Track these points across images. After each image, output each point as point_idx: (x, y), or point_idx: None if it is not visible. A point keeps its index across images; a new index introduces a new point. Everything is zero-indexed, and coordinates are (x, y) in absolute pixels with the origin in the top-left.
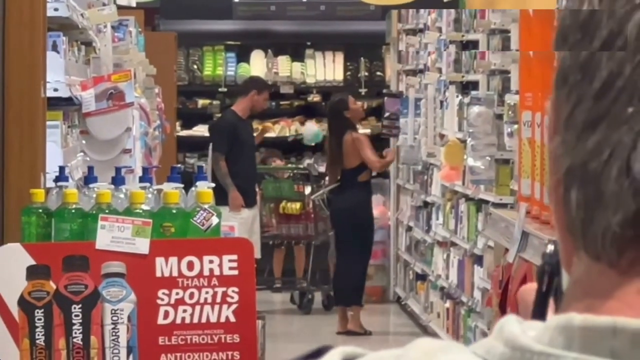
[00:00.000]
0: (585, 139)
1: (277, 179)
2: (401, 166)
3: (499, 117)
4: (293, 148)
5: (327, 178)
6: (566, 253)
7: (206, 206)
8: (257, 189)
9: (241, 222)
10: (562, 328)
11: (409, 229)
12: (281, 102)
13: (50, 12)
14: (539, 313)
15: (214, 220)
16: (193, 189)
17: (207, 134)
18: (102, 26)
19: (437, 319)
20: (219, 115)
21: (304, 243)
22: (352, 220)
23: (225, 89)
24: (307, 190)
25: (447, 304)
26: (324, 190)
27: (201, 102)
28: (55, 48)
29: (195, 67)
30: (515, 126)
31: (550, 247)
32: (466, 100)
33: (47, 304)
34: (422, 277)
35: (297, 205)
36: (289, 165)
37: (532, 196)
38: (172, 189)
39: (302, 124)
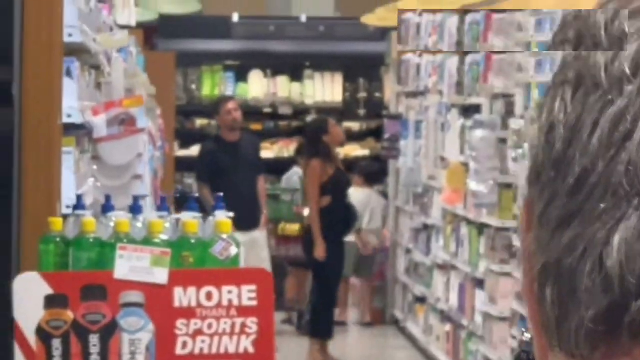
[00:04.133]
0: (559, 236)
1: (276, 201)
2: (401, 188)
3: (502, 141)
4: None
5: None
6: (541, 351)
7: (225, 236)
8: (257, 212)
9: None
10: None
11: (408, 251)
12: (279, 123)
13: (64, 38)
14: None
15: (233, 250)
16: (211, 218)
17: None
18: (113, 51)
19: (437, 342)
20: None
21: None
22: (306, 249)
23: None
24: (306, 211)
25: (447, 327)
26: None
27: (199, 122)
28: (69, 74)
29: (193, 86)
30: (520, 151)
31: (527, 335)
32: (468, 123)
33: (65, 333)
34: (421, 299)
35: (296, 226)
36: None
37: None
38: (191, 219)
39: (301, 144)
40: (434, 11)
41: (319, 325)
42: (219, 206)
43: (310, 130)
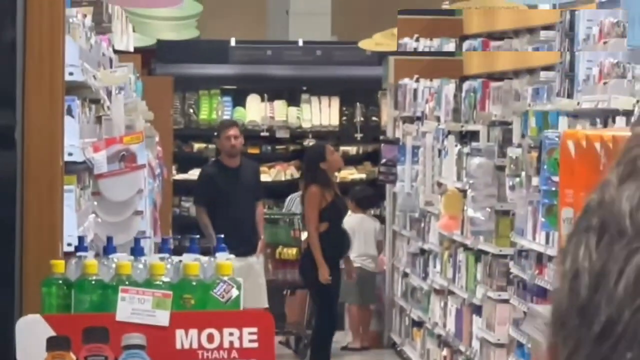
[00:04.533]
0: None
1: (274, 225)
2: (398, 213)
3: (499, 168)
4: (290, 192)
5: None
6: None
7: (226, 278)
8: (254, 238)
9: None
10: None
11: (405, 275)
12: (277, 147)
13: (66, 77)
14: None
15: (234, 292)
16: (212, 259)
17: None
18: (114, 88)
19: None
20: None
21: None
22: (304, 272)
23: None
24: (304, 235)
25: (445, 352)
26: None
27: (197, 146)
28: (70, 112)
29: (191, 110)
30: (517, 179)
31: None
32: (465, 149)
33: None
34: (418, 323)
35: (294, 250)
36: (285, 211)
37: None
38: (192, 261)
39: (298, 168)
40: (430, 78)
41: (319, 348)
42: (220, 248)
43: (308, 157)
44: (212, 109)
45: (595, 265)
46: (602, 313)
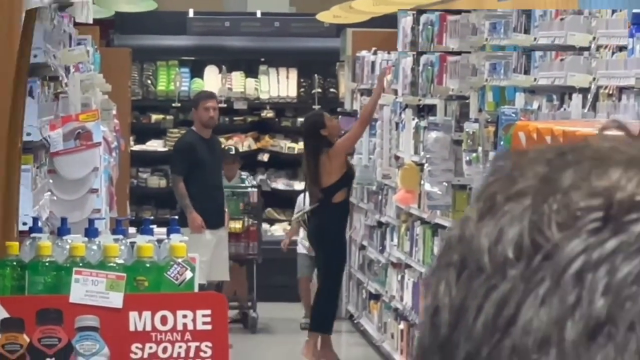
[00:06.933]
0: None
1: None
2: (356, 185)
3: (456, 142)
4: (247, 163)
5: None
6: None
7: (180, 260)
8: (224, 210)
9: (204, 245)
10: None
11: (363, 247)
12: (235, 118)
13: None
14: None
15: (188, 274)
16: (166, 241)
17: (160, 148)
18: (72, 65)
19: (391, 339)
20: (173, 130)
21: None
22: (320, 242)
23: (179, 104)
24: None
25: (402, 326)
26: (304, 211)
27: (155, 117)
28: (30, 93)
29: (149, 82)
30: (474, 154)
31: None
32: (422, 123)
33: (21, 357)
34: (375, 296)
35: (240, 223)
36: (241, 184)
37: None
38: (146, 243)
39: (255, 139)
40: (388, 51)
41: (329, 321)
42: (174, 229)
43: (308, 127)
44: (170, 80)
45: (454, 302)
46: (461, 350)
